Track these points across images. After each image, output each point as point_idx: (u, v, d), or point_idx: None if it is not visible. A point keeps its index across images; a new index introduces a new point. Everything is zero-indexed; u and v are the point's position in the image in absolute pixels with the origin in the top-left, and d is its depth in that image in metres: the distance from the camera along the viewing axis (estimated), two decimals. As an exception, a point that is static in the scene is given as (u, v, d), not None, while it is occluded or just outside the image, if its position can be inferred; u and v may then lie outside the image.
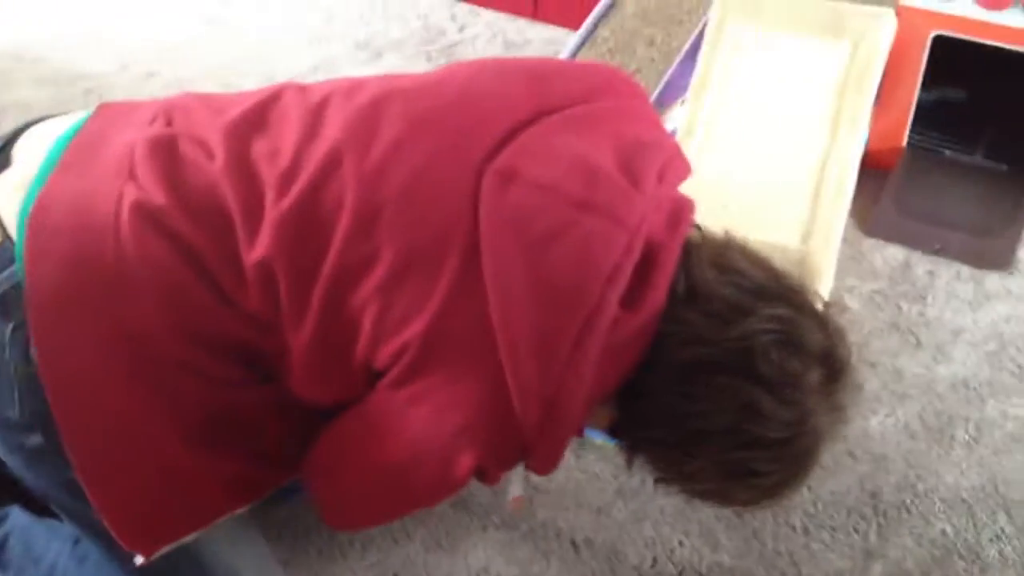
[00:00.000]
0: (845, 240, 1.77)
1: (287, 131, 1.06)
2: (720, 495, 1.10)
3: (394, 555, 1.39)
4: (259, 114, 1.08)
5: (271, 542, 1.38)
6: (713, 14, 1.92)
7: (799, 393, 1.00)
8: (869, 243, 1.78)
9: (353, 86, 1.10)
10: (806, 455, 1.04)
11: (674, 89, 2.01)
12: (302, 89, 1.12)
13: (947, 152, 1.88)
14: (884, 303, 1.68)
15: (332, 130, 1.04)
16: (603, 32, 2.16)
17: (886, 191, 1.83)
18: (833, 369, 1.03)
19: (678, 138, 1.87)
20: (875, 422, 1.52)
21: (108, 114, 1.16)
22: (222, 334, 1.05)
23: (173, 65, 2.35)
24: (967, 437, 1.50)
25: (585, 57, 2.13)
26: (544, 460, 1.05)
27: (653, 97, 1.99)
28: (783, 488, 1.07)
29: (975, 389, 1.56)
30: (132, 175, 1.06)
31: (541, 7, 2.49)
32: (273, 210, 1.02)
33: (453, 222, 0.99)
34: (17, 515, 1.27)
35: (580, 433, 1.29)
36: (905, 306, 1.67)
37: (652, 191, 1.03)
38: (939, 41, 1.77)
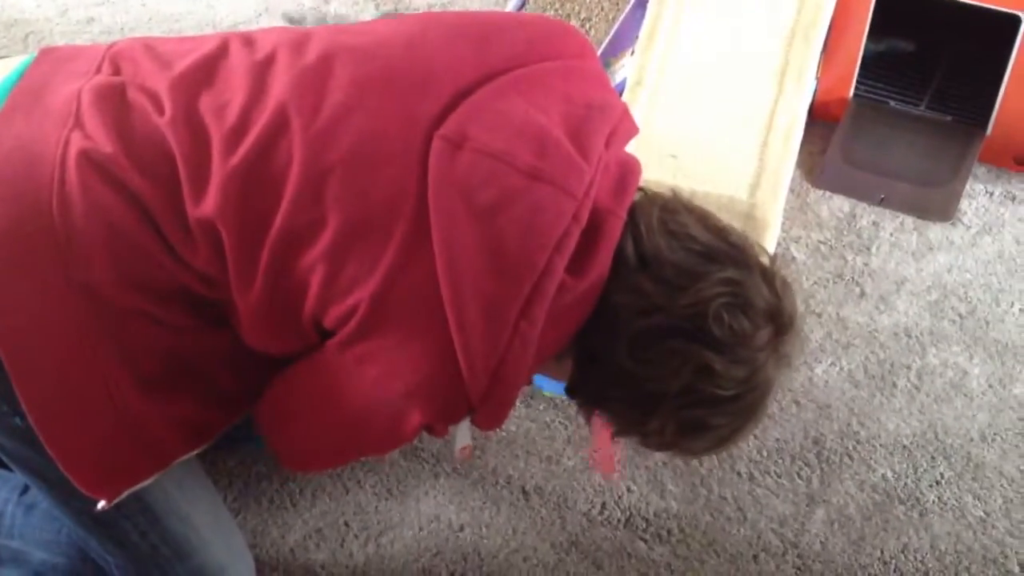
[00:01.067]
0: (792, 191, 1.78)
1: (234, 87, 1.05)
2: (675, 446, 1.12)
3: (345, 503, 1.40)
4: (206, 69, 1.07)
5: (222, 491, 1.38)
6: (663, -37, 1.91)
7: (749, 351, 1.04)
8: (815, 194, 1.80)
9: (300, 40, 1.08)
10: (757, 405, 1.08)
11: (624, 38, 2.00)
12: (248, 41, 1.10)
13: (893, 103, 1.90)
14: (829, 253, 1.70)
15: (279, 89, 1.03)
16: (553, -20, 2.15)
17: (832, 142, 1.85)
18: (781, 324, 1.06)
19: (627, 88, 1.87)
20: (819, 371, 1.55)
21: (51, 59, 1.14)
22: (170, 285, 1.05)
23: (113, 11, 2.29)
24: (909, 385, 1.53)
25: (535, 7, 2.11)
26: (490, 418, 1.08)
27: (603, 46, 1.98)
28: (736, 436, 1.11)
29: (917, 338, 1.59)
30: (79, 123, 1.04)
31: (490, -46, 2.46)
32: (220, 168, 1.01)
33: (401, 188, 0.99)
34: None
35: (529, 382, 1.31)
36: (850, 257, 1.70)
37: (599, 157, 1.04)
38: (886, -8, 1.77)
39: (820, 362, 1.56)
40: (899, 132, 1.86)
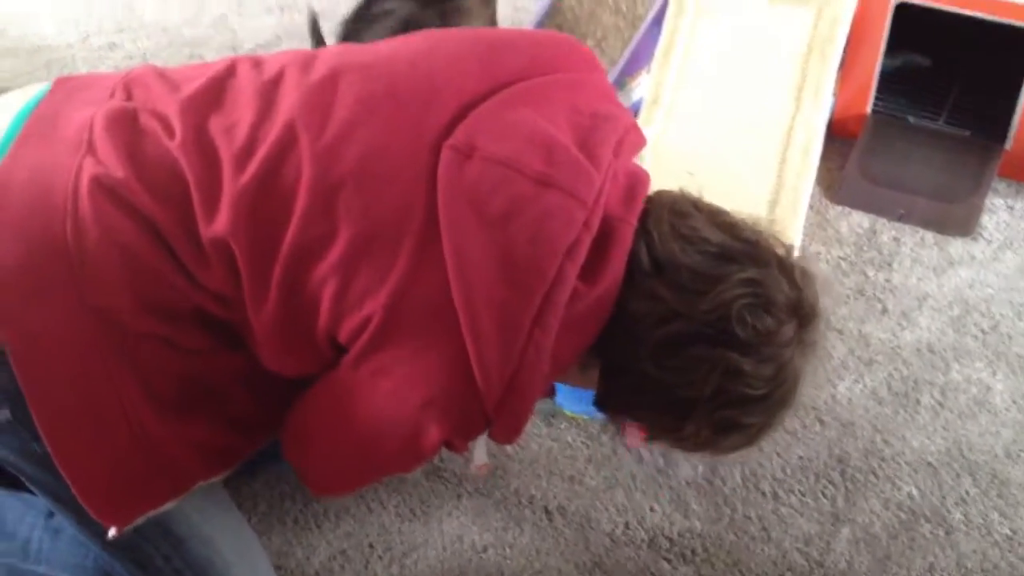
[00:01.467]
0: (811, 207, 1.78)
1: (243, 107, 1.06)
2: (710, 447, 1.12)
3: (368, 524, 1.40)
4: (215, 90, 1.08)
5: (247, 513, 1.39)
6: (679, -18, 1.92)
7: (776, 348, 1.04)
8: (835, 210, 1.80)
9: (307, 60, 1.09)
10: (788, 397, 1.08)
11: (640, 57, 2.01)
12: (256, 63, 1.11)
13: (911, 118, 1.89)
14: (850, 270, 1.70)
15: (287, 107, 1.04)
16: (568, 0, 2.15)
17: (851, 158, 1.85)
18: (804, 315, 1.06)
19: (644, 106, 1.88)
20: (842, 388, 1.54)
21: (66, 89, 1.15)
22: (185, 306, 1.05)
23: (134, 36, 2.31)
24: (932, 402, 1.52)
25: (551, 25, 2.12)
26: (506, 430, 1.07)
27: (619, 65, 1.99)
28: (770, 428, 1.11)
29: (940, 354, 1.58)
30: (91, 149, 1.05)
31: (506, -25, 2.47)
32: (231, 187, 1.02)
33: (411, 199, 0.99)
34: None
35: (550, 394, 1.31)
36: (871, 272, 1.69)
37: (608, 165, 1.04)
38: (902, 8, 1.77)
39: (843, 379, 1.55)
40: (918, 147, 1.85)
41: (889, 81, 1.88)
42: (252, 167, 1.02)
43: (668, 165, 1.79)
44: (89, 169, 1.04)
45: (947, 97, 1.91)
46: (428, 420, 1.03)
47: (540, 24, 2.11)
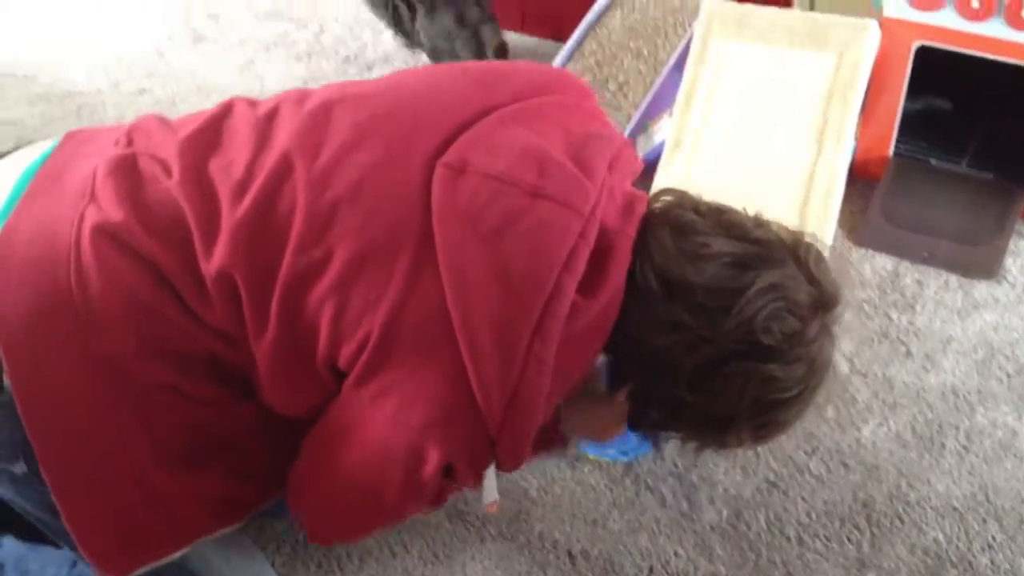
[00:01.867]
0: (834, 250, 1.78)
1: (239, 143, 1.07)
2: (755, 444, 1.14)
3: (392, 568, 1.40)
4: (212, 129, 1.09)
5: (270, 555, 1.39)
6: (698, 28, 1.94)
7: (804, 346, 1.04)
8: (858, 253, 1.80)
9: (303, 95, 1.11)
10: (821, 383, 1.08)
11: (662, 101, 2.02)
12: (253, 102, 1.13)
13: (933, 161, 1.90)
14: (874, 312, 1.70)
15: (282, 138, 1.05)
16: (590, 45, 2.18)
17: (874, 201, 1.85)
18: (826, 305, 1.06)
19: (666, 149, 1.89)
20: (867, 432, 1.53)
21: (73, 142, 1.17)
22: (191, 348, 1.05)
23: (163, 81, 2.35)
24: (958, 446, 1.51)
25: (573, 68, 2.14)
26: (510, 454, 1.05)
27: (642, 108, 2.01)
28: (805, 411, 1.11)
29: (964, 397, 1.57)
30: (93, 198, 1.06)
31: (528, 20, 2.51)
32: (229, 219, 1.02)
33: (405, 217, 0.99)
34: (11, 545, 1.27)
35: (554, 429, 1.29)
36: (895, 315, 1.69)
37: (603, 180, 1.04)
38: (923, 51, 1.78)
39: (867, 423, 1.54)
40: (941, 190, 1.85)
41: (911, 124, 1.88)
42: (248, 198, 1.02)
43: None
44: (91, 218, 1.05)
45: (969, 140, 1.92)
46: (429, 443, 1.01)
47: (562, 67, 2.13)
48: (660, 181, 1.84)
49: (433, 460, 1.02)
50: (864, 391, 1.58)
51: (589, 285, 1.00)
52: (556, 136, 1.06)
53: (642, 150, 2.04)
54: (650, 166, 1.91)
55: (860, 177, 1.89)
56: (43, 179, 1.11)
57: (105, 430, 1.04)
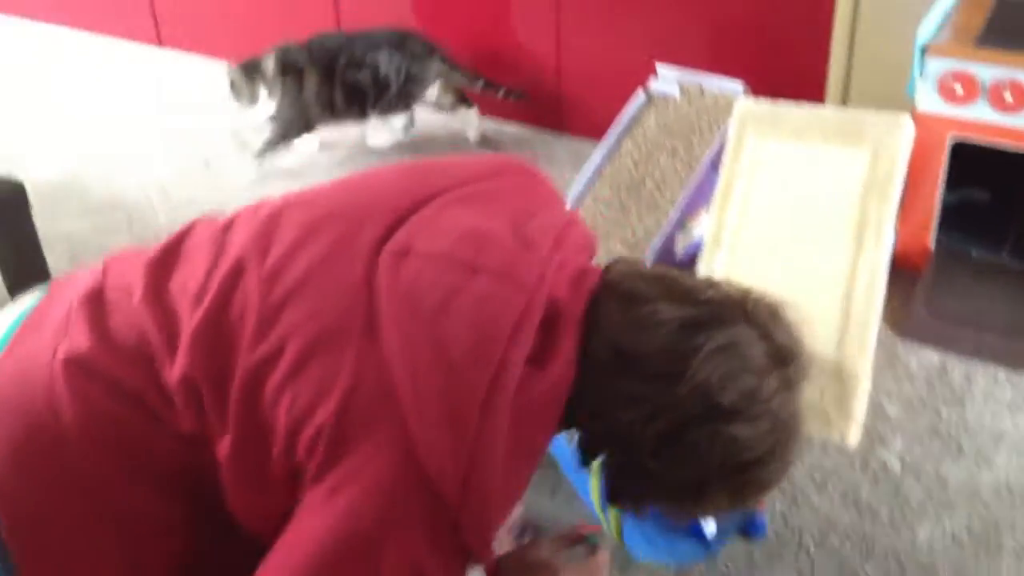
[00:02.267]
0: (879, 344, 1.77)
1: (199, 258, 1.10)
2: (734, 507, 1.10)
3: None
4: (175, 247, 1.13)
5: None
6: (732, 126, 1.96)
7: (764, 404, 1.01)
8: (904, 346, 1.79)
9: (259, 205, 1.14)
10: (792, 439, 1.05)
11: (699, 198, 2.05)
12: (213, 218, 1.16)
13: (974, 252, 1.90)
14: (922, 408, 1.69)
15: (236, 246, 1.08)
16: (626, 144, 2.22)
17: (917, 294, 1.85)
18: (783, 361, 1.03)
19: (705, 247, 1.90)
20: (922, 533, 1.51)
21: (57, 287, 1.20)
22: (169, 467, 1.06)
23: (211, 191, 2.41)
24: (1015, 544, 1.49)
25: (610, 168, 2.18)
26: (475, 537, 1.01)
27: (680, 206, 2.03)
28: (785, 469, 1.07)
29: (1020, 495, 1.55)
30: (67, 332, 1.09)
31: (566, 120, 2.56)
32: (187, 327, 1.04)
33: (352, 304, 1.00)
34: None
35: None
36: (944, 411, 1.68)
37: (549, 253, 1.04)
38: (959, 146, 1.80)
39: (922, 523, 1.52)
40: (983, 282, 1.85)
41: (950, 215, 1.89)
42: (205, 304, 1.04)
43: (732, 306, 1.81)
44: (63, 350, 1.07)
45: (1009, 230, 1.92)
46: (387, 532, 0.98)
47: (597, 170, 2.17)
48: (701, 279, 1.85)
49: (392, 552, 0.99)
50: (917, 490, 1.57)
51: (539, 357, 1.00)
52: (501, 216, 1.08)
53: (680, 246, 2.06)
54: (688, 262, 1.92)
55: (900, 268, 1.89)
56: (27, 324, 1.15)
57: (82, 552, 1.05)
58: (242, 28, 2.92)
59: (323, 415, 0.99)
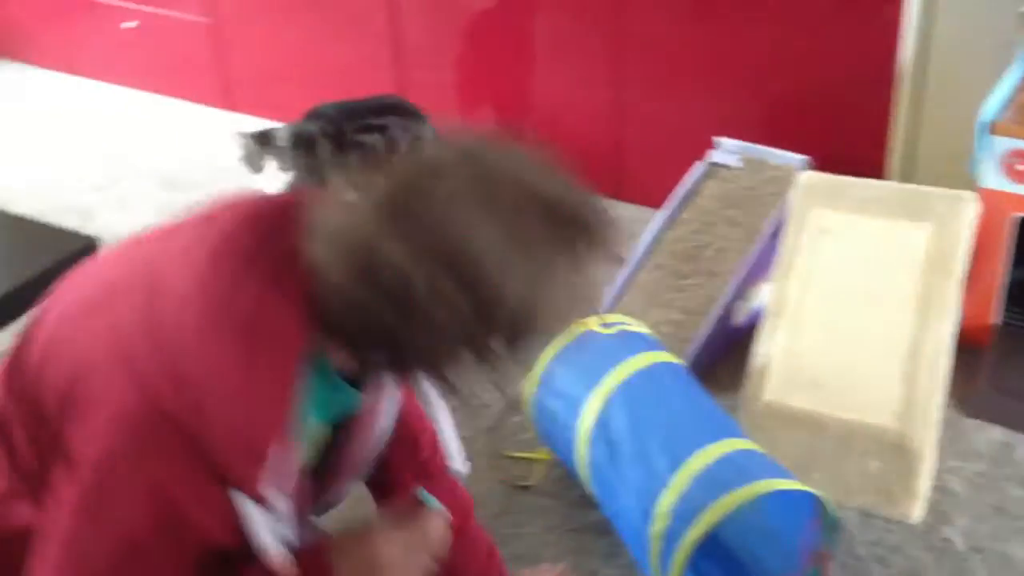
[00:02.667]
0: (944, 420, 1.76)
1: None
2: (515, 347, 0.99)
3: None
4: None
5: None
6: (795, 198, 1.98)
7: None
8: (968, 423, 1.77)
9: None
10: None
11: (759, 268, 2.06)
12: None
13: (1039, 329, 1.89)
14: (988, 486, 1.66)
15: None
16: (687, 212, 2.23)
17: (982, 371, 1.84)
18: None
19: (767, 317, 1.91)
20: (988, 613, 1.49)
21: None
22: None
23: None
24: (1086, 628, 1.46)
25: (668, 237, 2.19)
26: (231, 467, 0.97)
27: (740, 275, 2.04)
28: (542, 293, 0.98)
29: (1089, 577, 1.52)
30: None
31: (625, 187, 2.58)
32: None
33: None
34: None
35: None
36: (1010, 489, 1.65)
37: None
38: (1023, 221, 1.80)
39: (988, 604, 1.50)
40: (1050, 359, 1.84)
41: (1015, 292, 1.88)
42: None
43: (794, 376, 1.80)
44: None
45: (1075, 308, 1.91)
46: (136, 465, 0.96)
47: (656, 237, 2.18)
48: (763, 350, 1.85)
49: (139, 487, 0.97)
50: (981, 569, 1.54)
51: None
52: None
53: (740, 315, 2.07)
54: (748, 330, 1.93)
55: (965, 344, 1.88)
56: None
57: None
58: (309, 92, 3.00)
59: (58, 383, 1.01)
